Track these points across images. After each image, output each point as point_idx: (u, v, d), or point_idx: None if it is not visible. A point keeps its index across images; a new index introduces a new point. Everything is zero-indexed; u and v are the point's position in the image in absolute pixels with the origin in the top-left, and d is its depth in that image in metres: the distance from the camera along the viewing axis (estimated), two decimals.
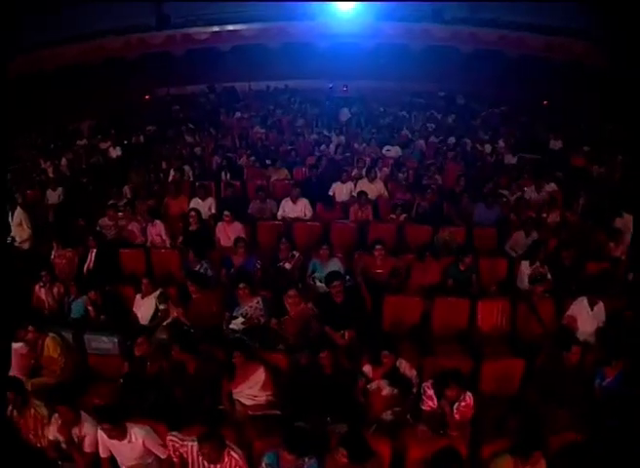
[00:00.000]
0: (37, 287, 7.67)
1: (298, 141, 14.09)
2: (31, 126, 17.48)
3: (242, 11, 21.82)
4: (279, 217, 9.66)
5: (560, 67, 20.20)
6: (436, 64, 21.30)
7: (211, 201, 9.77)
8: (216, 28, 21.69)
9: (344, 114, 16.91)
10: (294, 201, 9.70)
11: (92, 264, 8.34)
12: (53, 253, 8.47)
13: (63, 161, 13.65)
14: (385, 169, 11.56)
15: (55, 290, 7.67)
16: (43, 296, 7.67)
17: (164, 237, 8.84)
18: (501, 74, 20.66)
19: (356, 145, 13.60)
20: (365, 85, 21.21)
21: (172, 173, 11.58)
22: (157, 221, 8.86)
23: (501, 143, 14.29)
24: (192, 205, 9.69)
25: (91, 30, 20.81)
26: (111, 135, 16.03)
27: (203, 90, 21.67)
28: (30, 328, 6.50)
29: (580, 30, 19.97)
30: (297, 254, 7.91)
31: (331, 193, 10.64)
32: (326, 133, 14.69)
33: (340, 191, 10.63)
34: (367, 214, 9.75)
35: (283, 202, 9.73)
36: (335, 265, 7.39)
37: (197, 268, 7.74)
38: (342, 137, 14.07)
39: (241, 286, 6.63)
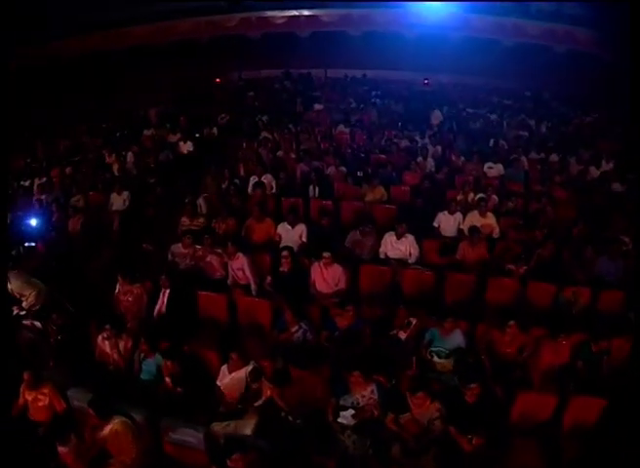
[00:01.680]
0: (100, 338, 6.07)
1: (389, 149, 11.96)
2: (98, 110, 15.91)
3: None
4: (381, 256, 7.78)
5: None
6: (525, 62, 18.62)
7: (302, 229, 8.00)
8: (294, 12, 19.47)
9: (437, 117, 14.67)
10: (398, 237, 7.75)
11: (164, 307, 6.66)
12: (117, 287, 6.81)
13: (130, 156, 12.02)
14: (494, 197, 9.40)
15: (121, 344, 6.07)
16: (107, 350, 6.13)
17: (247, 273, 7.12)
18: (598, 77, 17.83)
19: (453, 157, 11.44)
20: (446, 79, 18.76)
21: (252, 181, 9.76)
22: (239, 254, 7.05)
23: (605, 164, 11.70)
24: (280, 231, 8.05)
25: (162, 10, 18.86)
26: (181, 125, 14.22)
27: (277, 75, 19.57)
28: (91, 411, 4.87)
29: None
30: (413, 322, 6.26)
31: (436, 225, 8.76)
32: (418, 138, 12.51)
33: (448, 223, 8.72)
34: (480, 254, 7.83)
35: (387, 237, 7.88)
36: (457, 339, 6.02)
37: (295, 331, 5.99)
38: (439, 148, 11.89)
39: (355, 373, 5.22)
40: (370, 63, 18.73)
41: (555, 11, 19.57)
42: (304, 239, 7.94)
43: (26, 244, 7.58)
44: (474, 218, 8.60)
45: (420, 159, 10.98)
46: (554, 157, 12.19)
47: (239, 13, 19.81)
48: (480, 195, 9.23)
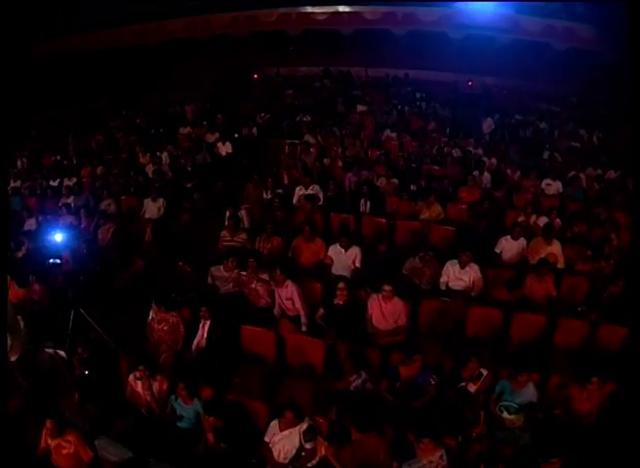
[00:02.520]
0: (132, 377, 5.24)
1: (442, 159, 10.93)
2: (132, 105, 15.13)
3: None
4: (442, 287, 6.86)
5: None
6: (575, 68, 17.20)
7: (356, 252, 7.08)
8: (336, 9, 18.37)
9: (489, 125, 13.54)
10: (462, 266, 6.80)
11: (204, 341, 5.79)
12: (151, 313, 5.98)
13: (165, 157, 11.18)
14: (558, 220, 8.40)
15: (155, 385, 5.22)
16: (140, 390, 5.27)
17: (298, 305, 6.22)
18: None
19: (509, 172, 10.36)
20: (490, 82, 17.54)
21: (298, 192, 8.87)
22: (289, 282, 6.15)
23: None
24: (332, 253, 7.12)
25: (199, 5, 17.92)
26: (218, 123, 13.36)
27: (316, 73, 18.55)
28: None
29: None
30: (485, 374, 5.34)
31: (497, 251, 7.73)
32: (472, 149, 11.44)
33: (510, 250, 7.68)
34: (547, 289, 6.78)
35: (449, 266, 6.91)
36: (529, 393, 5.18)
37: (354, 380, 5.11)
38: (494, 160, 10.81)
39: (425, 440, 4.35)
40: (413, 63, 17.62)
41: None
42: (358, 264, 7.03)
43: (51, 260, 6.71)
44: (539, 246, 7.61)
45: (476, 173, 9.91)
46: (611, 174, 11.06)
47: (279, 8, 18.73)
48: (545, 220, 8.29)
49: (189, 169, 10.63)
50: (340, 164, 10.23)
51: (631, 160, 11.01)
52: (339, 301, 6.12)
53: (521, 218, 8.47)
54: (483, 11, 17.98)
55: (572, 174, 10.41)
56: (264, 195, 9.01)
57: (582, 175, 10.46)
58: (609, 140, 13.31)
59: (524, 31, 17.57)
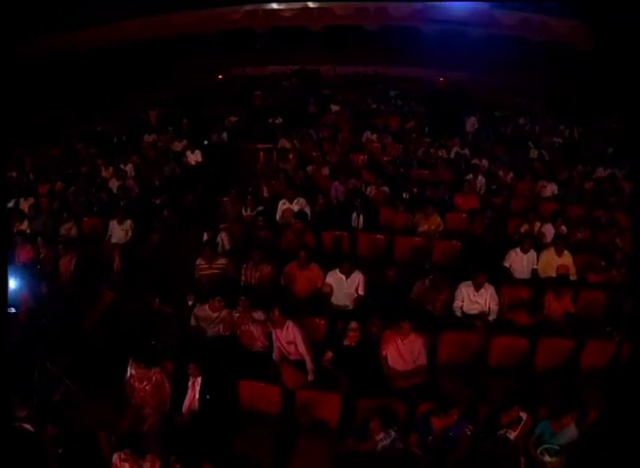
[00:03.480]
0: (116, 457, 4.19)
1: (430, 162, 10.09)
2: (92, 113, 13.75)
3: None
4: (457, 313, 6.04)
5: None
6: (551, 61, 16.56)
7: (358, 279, 6.16)
8: (305, 5, 17.24)
9: (472, 124, 12.77)
10: (477, 288, 5.98)
11: (196, 402, 4.77)
12: (128, 370, 4.91)
13: (130, 169, 9.97)
14: (564, 227, 7.73)
15: (146, 466, 4.15)
16: None
17: (302, 349, 5.24)
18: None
19: (501, 173, 9.61)
20: (462, 77, 16.77)
21: (281, 207, 7.87)
22: (289, 323, 5.18)
23: None
24: (331, 281, 6.15)
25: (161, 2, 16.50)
26: (185, 129, 12.19)
27: (284, 72, 17.41)
28: None
29: None
30: (524, 418, 4.60)
31: (507, 265, 6.97)
32: (459, 149, 10.62)
33: (520, 264, 6.98)
34: (566, 307, 6.13)
35: (463, 289, 6.08)
36: (570, 432, 4.55)
37: (381, 439, 4.25)
38: (485, 161, 10.02)
39: None
40: (385, 60, 16.72)
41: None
42: (362, 292, 6.10)
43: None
44: (550, 258, 6.97)
45: (469, 176, 9.10)
46: (601, 171, 10.47)
47: (245, 5, 17.44)
48: (550, 228, 7.65)
49: (157, 182, 9.45)
50: (325, 172, 9.23)
51: (626, 157, 10.57)
52: (349, 342, 5.19)
53: (525, 227, 7.79)
54: (457, 5, 17.14)
55: (565, 174, 9.77)
56: (244, 212, 7.96)
57: (575, 175, 9.84)
58: (589, 135, 12.78)
59: (499, 25, 16.76)
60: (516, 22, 16.40)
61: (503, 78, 15.86)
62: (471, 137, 11.74)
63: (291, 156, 10.20)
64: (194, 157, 10.91)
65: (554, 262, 6.90)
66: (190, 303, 5.85)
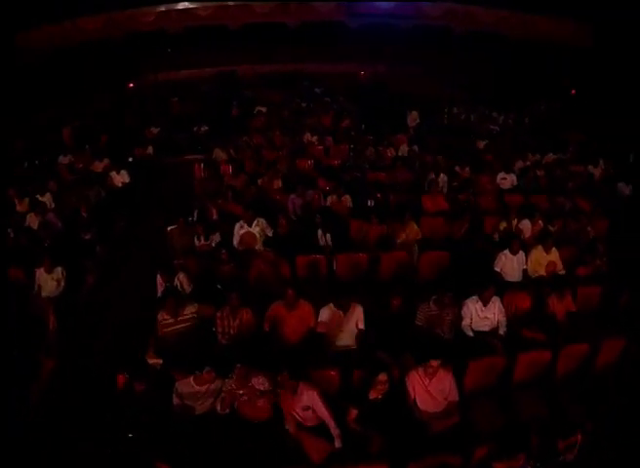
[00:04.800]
0: None
1: (383, 163, 9.19)
2: None
3: None
4: (468, 332, 5.30)
5: None
6: (476, 51, 16.12)
7: (358, 312, 5.19)
8: (223, 2, 15.61)
9: (414, 118, 12.01)
10: (485, 303, 5.25)
11: None
12: None
13: (48, 198, 8.23)
14: (540, 222, 7.26)
15: None
16: None
17: (322, 413, 4.11)
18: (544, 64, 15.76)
19: (458, 169, 8.92)
20: (393, 70, 16.04)
21: (239, 231, 6.64)
22: (303, 386, 4.09)
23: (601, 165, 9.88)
24: (326, 319, 5.14)
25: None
26: (102, 145, 10.48)
27: (199, 75, 15.76)
28: None
29: None
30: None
31: (497, 269, 6.40)
32: (407, 147, 9.81)
33: (511, 266, 6.44)
34: (568, 307, 5.68)
35: (470, 305, 5.34)
36: None
37: None
38: (441, 158, 9.26)
39: None
40: (309, 56, 15.60)
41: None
42: (362, 326, 5.07)
43: None
44: (540, 256, 6.52)
45: (431, 176, 8.30)
46: (550, 156, 10.16)
47: (158, 5, 15.49)
48: (527, 224, 7.21)
49: (84, 214, 7.79)
50: (277, 184, 8.03)
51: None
52: (376, 395, 4.15)
53: (503, 225, 7.19)
54: None
55: (520, 164, 9.30)
56: (196, 242, 6.63)
57: (529, 163, 9.40)
58: (522, 121, 12.52)
59: (424, 16, 16.03)
60: (441, 13, 15.80)
61: (430, 69, 15.27)
62: (414, 132, 10.91)
63: (230, 168, 8.89)
64: (120, 178, 9.30)
65: (543, 260, 6.51)
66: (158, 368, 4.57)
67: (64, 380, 5.23)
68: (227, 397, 4.12)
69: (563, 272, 6.50)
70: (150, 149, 10.67)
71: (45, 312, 5.84)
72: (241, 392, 4.11)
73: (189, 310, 5.10)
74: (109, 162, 9.81)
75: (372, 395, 4.17)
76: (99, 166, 9.75)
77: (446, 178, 8.39)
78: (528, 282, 6.38)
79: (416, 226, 6.85)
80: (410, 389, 4.30)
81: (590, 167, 9.63)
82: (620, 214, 8.25)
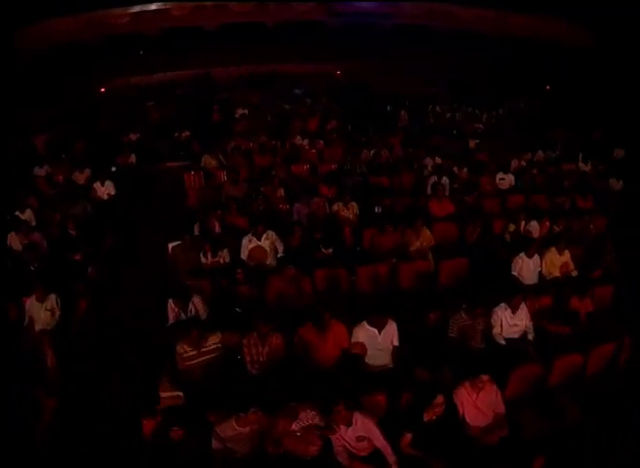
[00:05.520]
0: None
1: (382, 167, 8.90)
2: None
3: None
4: (500, 340, 5.19)
5: None
6: (457, 49, 15.94)
7: (393, 329, 4.90)
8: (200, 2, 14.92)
9: (403, 118, 11.76)
10: (514, 310, 5.21)
11: None
12: None
13: (28, 216, 7.58)
14: (547, 223, 7.20)
15: None
16: None
17: (378, 442, 3.87)
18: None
19: (456, 170, 8.74)
20: (364, 69, 15.73)
21: (247, 245, 6.26)
22: (358, 416, 3.82)
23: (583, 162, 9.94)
24: (362, 338, 4.86)
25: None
26: (78, 154, 9.83)
27: (172, 78, 15.07)
28: None
29: None
30: None
31: (515, 273, 6.25)
32: (402, 148, 9.57)
33: (528, 269, 6.33)
34: (588, 307, 5.64)
35: (499, 313, 5.19)
36: None
37: None
38: (439, 159, 9.07)
39: None
40: (288, 57, 15.13)
41: None
42: (396, 342, 4.80)
43: None
44: (554, 258, 6.45)
45: (433, 178, 8.08)
46: (540, 154, 10.13)
47: (133, 6, 14.64)
48: (535, 225, 7.12)
49: (73, 232, 7.17)
50: (280, 192, 7.62)
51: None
52: (431, 417, 3.89)
53: (512, 227, 7.06)
54: None
55: (516, 163, 9.21)
56: (203, 259, 6.17)
57: (524, 162, 9.33)
58: (506, 119, 12.49)
59: (405, 15, 15.73)
60: (421, 12, 15.57)
61: (410, 68, 15.06)
62: (404, 133, 10.65)
63: (224, 176, 8.43)
64: (105, 189, 8.69)
65: (557, 261, 6.46)
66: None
67: (70, 422, 4.74)
68: (278, 436, 3.76)
69: (575, 272, 6.47)
70: (133, 157, 10.07)
71: (40, 347, 5.25)
72: (293, 429, 3.74)
73: (213, 340, 4.66)
74: (91, 172, 9.17)
75: (426, 417, 3.94)
76: (80, 177, 9.11)
77: (448, 181, 8.17)
78: (544, 284, 6.26)
79: (429, 232, 6.62)
80: (458, 405, 4.13)
81: (581, 164, 9.64)
82: (616, 210, 8.30)
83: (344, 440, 3.83)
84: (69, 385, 5.12)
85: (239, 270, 5.46)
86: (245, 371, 4.58)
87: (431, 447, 3.89)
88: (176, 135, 11.36)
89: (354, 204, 7.27)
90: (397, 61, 14.95)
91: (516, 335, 5.22)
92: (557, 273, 6.41)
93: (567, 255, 6.48)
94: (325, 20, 15.34)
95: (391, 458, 3.80)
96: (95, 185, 8.68)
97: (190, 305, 5.16)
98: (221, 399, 3.99)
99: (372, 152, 9.25)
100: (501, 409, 4.24)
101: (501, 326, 5.18)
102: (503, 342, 5.15)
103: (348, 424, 3.76)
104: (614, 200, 8.79)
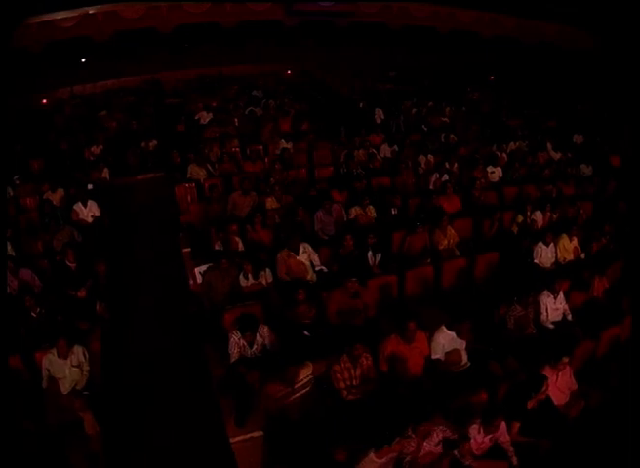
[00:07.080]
0: None
1: (378, 166, 8.94)
2: None
3: None
4: (548, 324, 5.65)
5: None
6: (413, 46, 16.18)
7: (467, 328, 4.82)
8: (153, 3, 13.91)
9: (379, 116, 11.76)
10: (556, 295, 5.67)
11: None
12: None
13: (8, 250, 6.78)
14: (549, 213, 7.67)
15: None
16: None
17: (506, 443, 4.03)
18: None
19: (447, 164, 8.94)
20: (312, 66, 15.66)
21: (284, 261, 6.05)
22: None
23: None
24: (444, 342, 4.80)
25: None
26: (35, 171, 9.04)
27: (119, 85, 14.10)
28: None
29: None
30: None
31: (536, 261, 6.73)
32: (388, 147, 9.63)
33: (546, 257, 6.83)
34: (605, 285, 6.19)
35: (545, 300, 5.62)
36: None
37: None
38: (431, 157, 9.22)
39: None
40: (245, 58, 14.66)
41: None
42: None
43: None
44: (566, 243, 7.00)
45: (435, 176, 8.24)
46: (512, 146, 10.61)
47: (85, 7, 13.34)
48: (540, 215, 7.59)
49: (72, 264, 6.44)
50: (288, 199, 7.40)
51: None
52: (533, 403, 4.21)
53: (520, 218, 7.41)
54: None
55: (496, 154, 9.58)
56: (244, 281, 5.85)
57: (505, 155, 9.73)
58: (469, 112, 12.87)
59: (362, 14, 15.66)
60: (377, 10, 15.63)
61: (369, 65, 15.12)
62: (383, 131, 10.66)
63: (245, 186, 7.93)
64: (88, 211, 7.96)
65: (569, 246, 6.96)
66: None
67: None
68: (414, 458, 3.67)
69: (583, 255, 7.05)
70: (106, 172, 9.36)
71: (74, 412, 4.53)
72: (427, 449, 3.67)
73: (304, 373, 4.43)
74: (64, 192, 8.39)
75: (529, 404, 4.19)
76: (53, 197, 8.27)
77: (447, 177, 8.34)
78: (560, 268, 6.72)
79: (453, 230, 6.77)
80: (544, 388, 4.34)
81: (552, 153, 10.19)
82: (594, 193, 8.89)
83: (477, 444, 3.88)
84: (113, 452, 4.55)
85: (300, 290, 5.20)
86: (341, 399, 4.39)
87: (535, 430, 4.14)
88: (143, 145, 10.66)
89: (371, 207, 7.23)
90: (355, 59, 14.99)
91: (559, 318, 5.65)
92: (571, 257, 6.90)
93: (575, 240, 7.00)
94: (282, 20, 15.01)
95: (510, 449, 4.00)
96: (75, 207, 7.89)
97: (257, 336, 4.84)
98: (342, 434, 3.80)
99: (362, 153, 9.20)
100: (575, 385, 4.65)
101: (547, 311, 5.58)
102: (552, 326, 5.55)
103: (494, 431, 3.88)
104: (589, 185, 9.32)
